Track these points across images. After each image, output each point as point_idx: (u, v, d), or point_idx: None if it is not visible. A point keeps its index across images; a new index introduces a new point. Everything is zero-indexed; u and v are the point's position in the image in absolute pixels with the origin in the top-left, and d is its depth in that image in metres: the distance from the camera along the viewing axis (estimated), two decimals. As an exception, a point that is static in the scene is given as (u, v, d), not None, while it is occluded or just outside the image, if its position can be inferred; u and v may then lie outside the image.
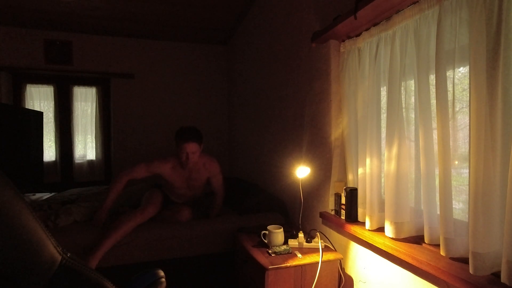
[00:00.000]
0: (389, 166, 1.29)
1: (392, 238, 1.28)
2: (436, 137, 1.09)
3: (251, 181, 3.04)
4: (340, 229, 1.64)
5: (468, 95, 0.96)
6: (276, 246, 1.62)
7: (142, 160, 2.23)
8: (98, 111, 3.95)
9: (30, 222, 0.46)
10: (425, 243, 1.19)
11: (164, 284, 0.63)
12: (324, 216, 1.74)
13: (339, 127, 1.71)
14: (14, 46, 3.51)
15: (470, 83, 0.94)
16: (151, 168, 2.15)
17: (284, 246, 1.62)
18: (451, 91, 1.04)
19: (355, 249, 1.56)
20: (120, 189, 2.11)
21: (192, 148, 2.10)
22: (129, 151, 3.95)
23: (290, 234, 1.72)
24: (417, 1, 1.15)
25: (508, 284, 0.84)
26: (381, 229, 1.38)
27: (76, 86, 3.92)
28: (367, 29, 1.43)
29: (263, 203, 2.37)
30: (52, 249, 0.49)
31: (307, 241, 1.66)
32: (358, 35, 1.51)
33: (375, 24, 1.38)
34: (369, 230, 1.41)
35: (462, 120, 1.06)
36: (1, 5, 2.95)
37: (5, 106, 3.06)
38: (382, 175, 1.40)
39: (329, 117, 1.74)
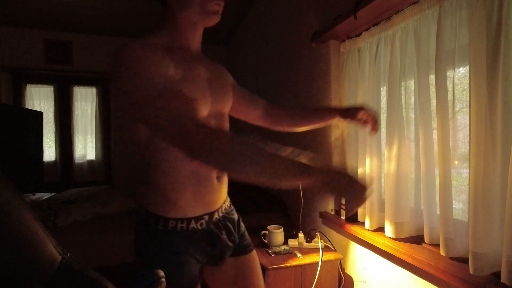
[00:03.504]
0: (389, 166, 1.29)
1: (392, 238, 1.27)
2: (436, 137, 1.09)
3: (251, 181, 3.04)
4: (340, 229, 1.64)
5: (468, 95, 0.96)
6: (276, 246, 1.61)
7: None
8: (98, 111, 3.95)
9: (30, 222, 0.46)
10: (425, 243, 1.19)
11: (164, 284, 0.63)
12: (324, 216, 1.73)
13: (339, 127, 1.71)
14: (14, 46, 3.50)
15: (470, 83, 0.94)
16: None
17: (284, 246, 1.62)
18: (451, 91, 1.03)
19: (355, 249, 1.56)
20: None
21: None
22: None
23: (290, 234, 1.72)
24: (417, 1, 1.15)
25: (508, 284, 0.84)
26: (381, 229, 1.38)
27: (76, 86, 3.92)
28: (367, 29, 1.43)
29: (263, 203, 2.37)
30: (52, 249, 0.49)
31: (307, 241, 1.66)
32: (358, 35, 1.51)
33: (375, 24, 1.38)
34: (369, 230, 1.41)
35: (462, 120, 1.06)
36: (1, 5, 2.95)
37: (5, 106, 3.07)
38: (382, 175, 1.40)
39: (329, 117, 1.74)
